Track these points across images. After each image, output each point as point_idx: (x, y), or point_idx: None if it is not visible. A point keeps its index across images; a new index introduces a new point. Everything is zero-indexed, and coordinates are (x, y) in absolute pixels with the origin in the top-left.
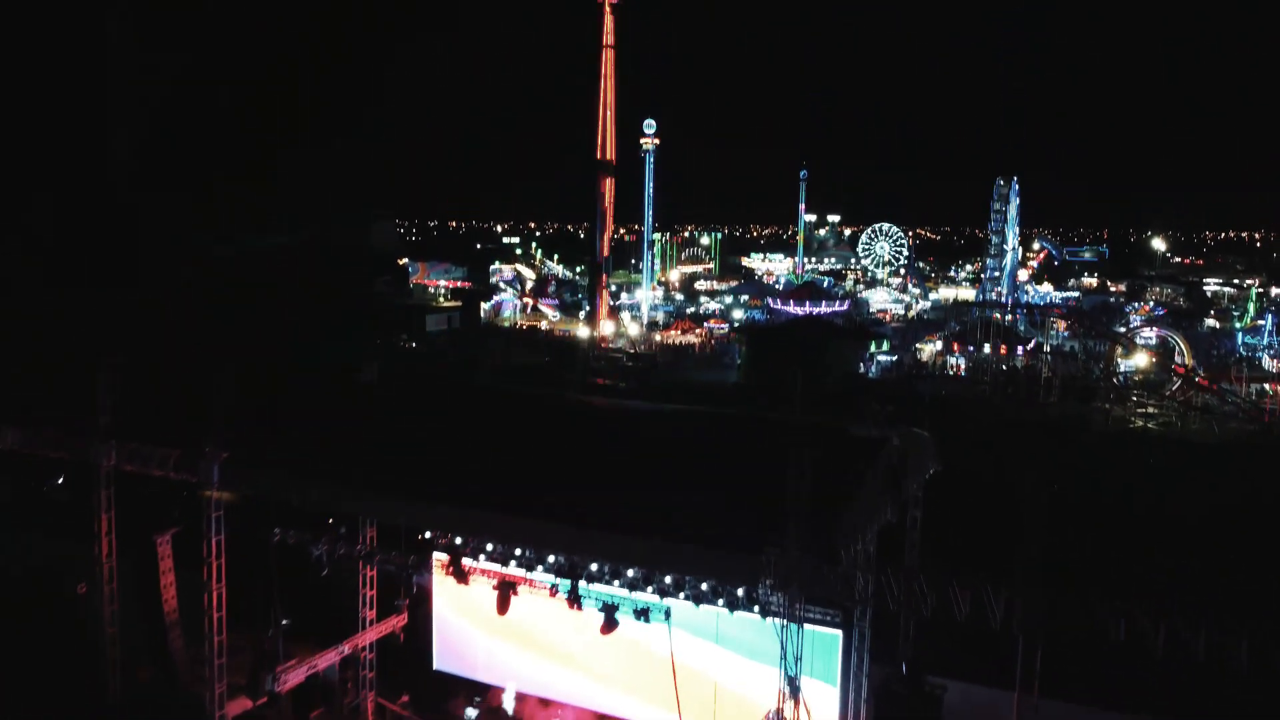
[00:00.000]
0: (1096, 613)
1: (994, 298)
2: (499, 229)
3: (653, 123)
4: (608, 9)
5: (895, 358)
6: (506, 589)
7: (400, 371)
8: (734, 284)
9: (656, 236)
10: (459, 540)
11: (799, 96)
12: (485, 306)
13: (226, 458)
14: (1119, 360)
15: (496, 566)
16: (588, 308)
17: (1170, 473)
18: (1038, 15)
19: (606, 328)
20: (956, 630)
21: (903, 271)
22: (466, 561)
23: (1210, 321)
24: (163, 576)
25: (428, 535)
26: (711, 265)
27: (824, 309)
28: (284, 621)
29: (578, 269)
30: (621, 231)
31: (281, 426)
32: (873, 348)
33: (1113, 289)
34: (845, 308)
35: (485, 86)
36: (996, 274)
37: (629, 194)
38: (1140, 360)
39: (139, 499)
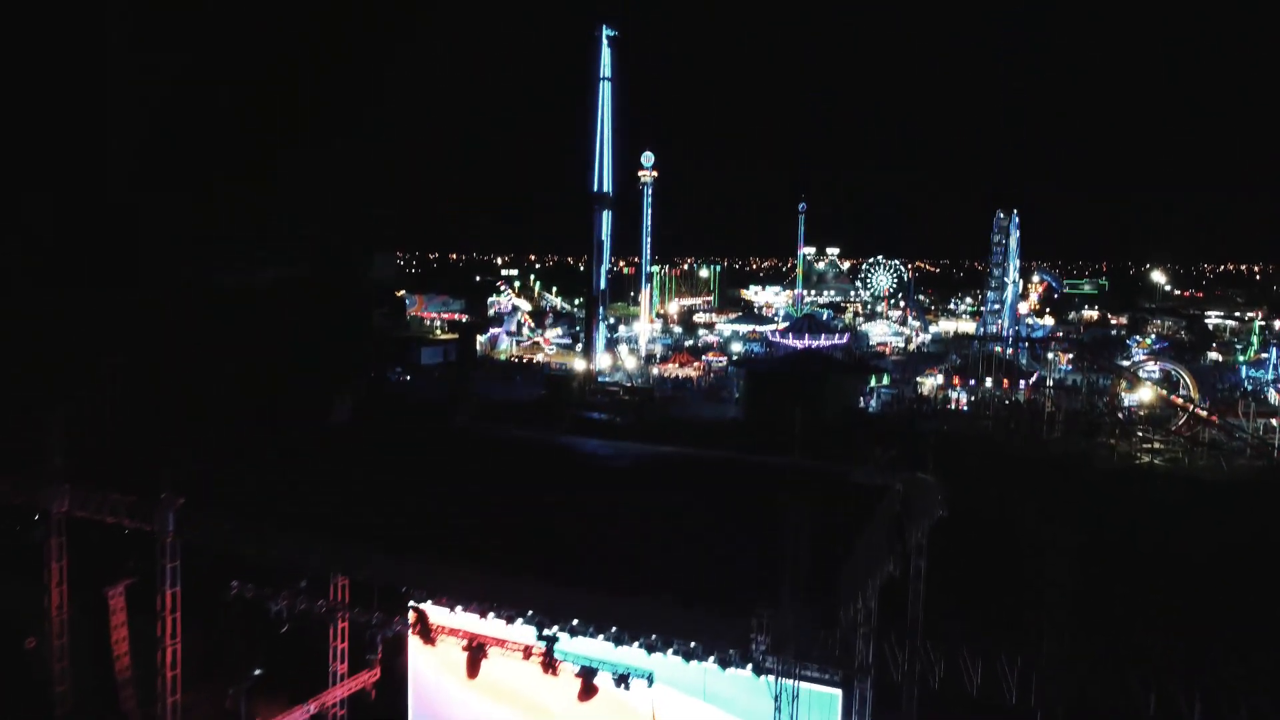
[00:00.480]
0: (1125, 684)
1: (995, 330)
2: (499, 261)
3: (651, 156)
4: (605, 41)
5: (895, 392)
6: (477, 653)
7: (378, 409)
8: (733, 316)
9: (655, 269)
10: (431, 595)
11: (798, 128)
12: (481, 339)
13: (183, 504)
14: (1123, 394)
15: (473, 618)
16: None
17: (1181, 512)
18: (1035, 46)
19: (603, 360)
20: (967, 694)
21: (902, 304)
22: (439, 614)
23: (1213, 355)
24: (114, 631)
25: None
26: (711, 297)
27: (823, 342)
28: (256, 672)
29: (576, 301)
30: (621, 264)
31: (246, 469)
32: (873, 382)
33: (1114, 322)
34: (844, 341)
35: (486, 118)
36: (997, 306)
37: (628, 226)
38: (1145, 394)
39: (96, 546)
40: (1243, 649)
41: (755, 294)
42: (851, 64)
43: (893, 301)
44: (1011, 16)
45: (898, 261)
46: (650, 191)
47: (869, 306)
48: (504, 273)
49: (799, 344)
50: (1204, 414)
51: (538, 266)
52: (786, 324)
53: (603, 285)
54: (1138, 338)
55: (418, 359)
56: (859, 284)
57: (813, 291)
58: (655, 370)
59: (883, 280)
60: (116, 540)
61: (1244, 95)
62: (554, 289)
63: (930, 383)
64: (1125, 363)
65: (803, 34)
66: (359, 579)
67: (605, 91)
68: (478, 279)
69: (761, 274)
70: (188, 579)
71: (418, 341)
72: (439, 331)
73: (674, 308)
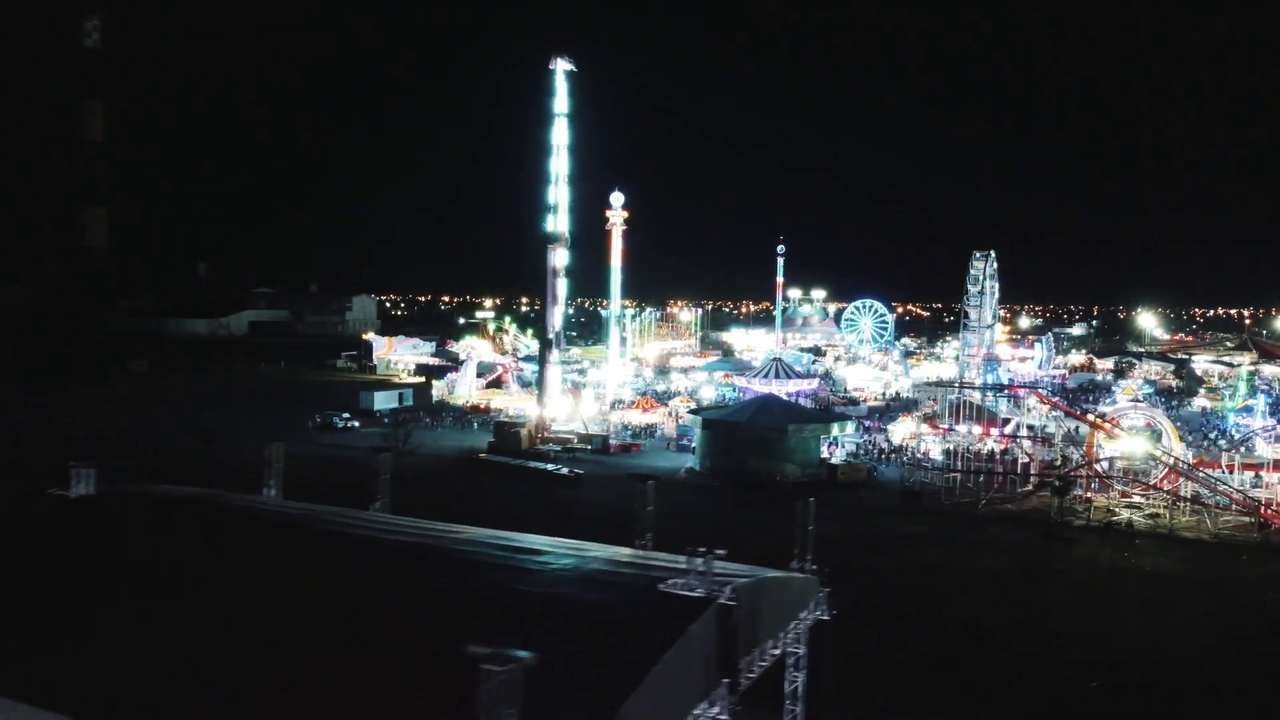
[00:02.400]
0: None
1: (973, 376)
2: (489, 304)
3: (621, 196)
4: (560, 75)
5: (863, 440)
6: None
7: (144, 481)
8: (711, 359)
9: (630, 311)
10: None
11: (788, 170)
12: (438, 384)
13: None
14: (1102, 444)
15: None
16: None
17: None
18: (1029, 86)
19: (560, 406)
20: None
21: (885, 348)
22: None
23: (1201, 401)
24: None
25: None
26: (693, 340)
27: (790, 387)
28: None
29: None
30: (607, 304)
31: None
32: (835, 430)
33: (1100, 366)
34: (815, 386)
35: (479, 163)
36: (974, 351)
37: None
38: (1125, 445)
39: None
40: None
41: (737, 337)
42: (843, 103)
43: (876, 345)
44: (1007, 52)
45: (882, 304)
46: (620, 232)
47: (851, 350)
48: (479, 315)
49: (766, 388)
50: (1185, 467)
51: (526, 309)
52: (757, 368)
53: (557, 328)
54: (1122, 383)
55: (370, 404)
56: (844, 327)
57: (798, 334)
58: (615, 416)
59: (867, 323)
60: None
61: (1236, 141)
62: (529, 331)
63: (901, 430)
64: (1107, 409)
65: (793, 76)
66: None
67: (562, 127)
68: (462, 321)
69: (743, 317)
70: None
71: (372, 386)
72: (404, 374)
73: (653, 350)
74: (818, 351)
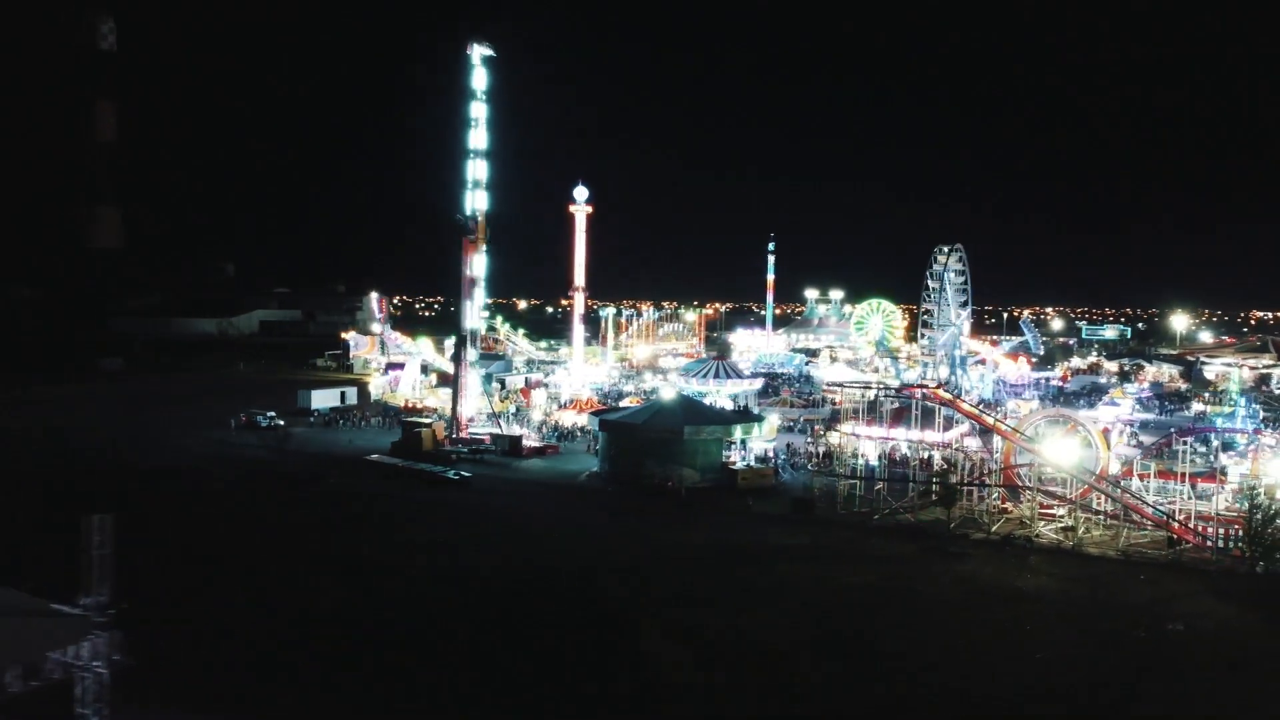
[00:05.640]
0: None
1: (934, 377)
2: (522, 305)
3: (585, 190)
4: (477, 61)
5: (807, 442)
6: None
7: None
8: (697, 359)
9: (613, 310)
10: None
11: (822, 169)
12: (380, 381)
13: None
14: (1032, 453)
15: None
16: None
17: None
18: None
19: (476, 406)
20: None
21: (881, 349)
22: None
23: (1198, 405)
24: None
25: None
26: (695, 341)
27: (730, 388)
28: None
29: (543, 343)
30: (632, 305)
31: None
32: (738, 433)
33: (1107, 369)
34: (758, 386)
35: (526, 166)
36: (938, 351)
37: (600, 267)
38: (1054, 453)
39: None
40: None
41: (740, 337)
42: (881, 100)
43: (881, 346)
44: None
45: (892, 304)
46: (583, 227)
47: (855, 351)
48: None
49: (704, 389)
50: (1091, 477)
51: (522, 306)
52: (694, 368)
53: (472, 324)
54: (1114, 386)
55: (308, 403)
56: (854, 328)
57: (811, 335)
58: (552, 415)
59: (876, 324)
60: None
61: None
62: (519, 329)
63: (836, 435)
64: (1047, 414)
65: (799, 71)
66: None
67: (476, 113)
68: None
69: (752, 317)
70: None
71: (333, 385)
72: (376, 374)
73: (644, 350)
74: (811, 353)
